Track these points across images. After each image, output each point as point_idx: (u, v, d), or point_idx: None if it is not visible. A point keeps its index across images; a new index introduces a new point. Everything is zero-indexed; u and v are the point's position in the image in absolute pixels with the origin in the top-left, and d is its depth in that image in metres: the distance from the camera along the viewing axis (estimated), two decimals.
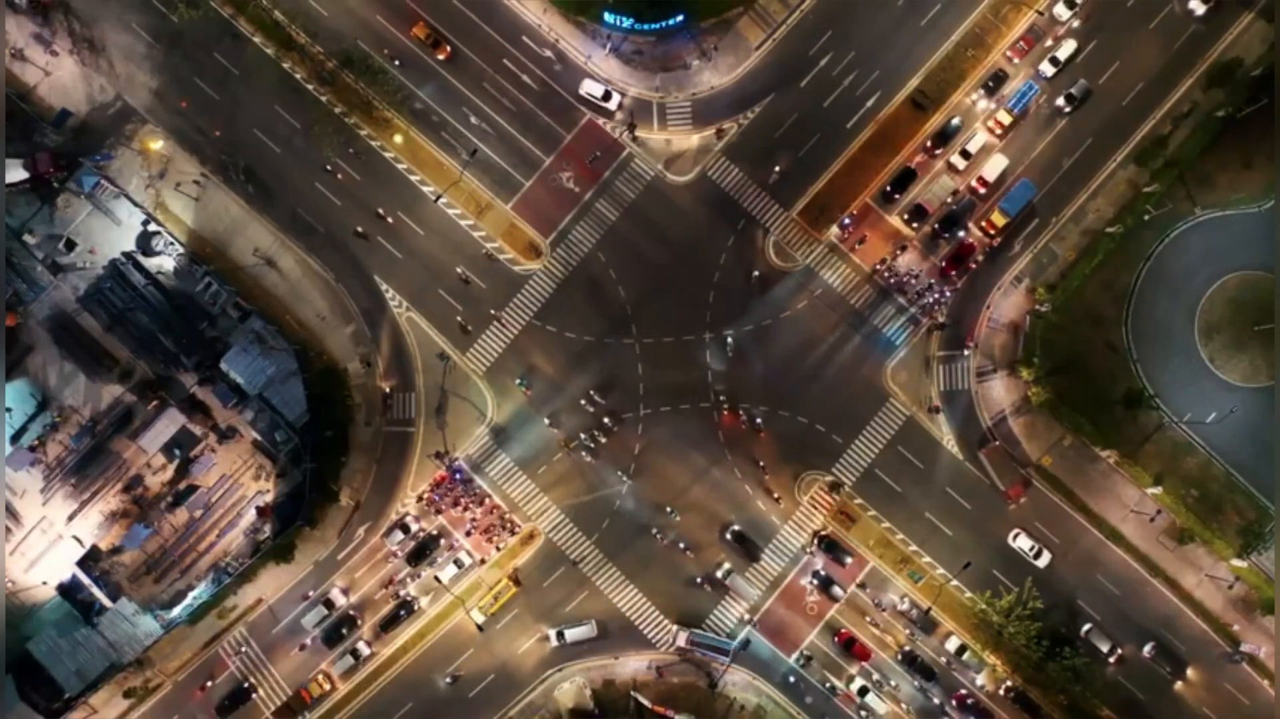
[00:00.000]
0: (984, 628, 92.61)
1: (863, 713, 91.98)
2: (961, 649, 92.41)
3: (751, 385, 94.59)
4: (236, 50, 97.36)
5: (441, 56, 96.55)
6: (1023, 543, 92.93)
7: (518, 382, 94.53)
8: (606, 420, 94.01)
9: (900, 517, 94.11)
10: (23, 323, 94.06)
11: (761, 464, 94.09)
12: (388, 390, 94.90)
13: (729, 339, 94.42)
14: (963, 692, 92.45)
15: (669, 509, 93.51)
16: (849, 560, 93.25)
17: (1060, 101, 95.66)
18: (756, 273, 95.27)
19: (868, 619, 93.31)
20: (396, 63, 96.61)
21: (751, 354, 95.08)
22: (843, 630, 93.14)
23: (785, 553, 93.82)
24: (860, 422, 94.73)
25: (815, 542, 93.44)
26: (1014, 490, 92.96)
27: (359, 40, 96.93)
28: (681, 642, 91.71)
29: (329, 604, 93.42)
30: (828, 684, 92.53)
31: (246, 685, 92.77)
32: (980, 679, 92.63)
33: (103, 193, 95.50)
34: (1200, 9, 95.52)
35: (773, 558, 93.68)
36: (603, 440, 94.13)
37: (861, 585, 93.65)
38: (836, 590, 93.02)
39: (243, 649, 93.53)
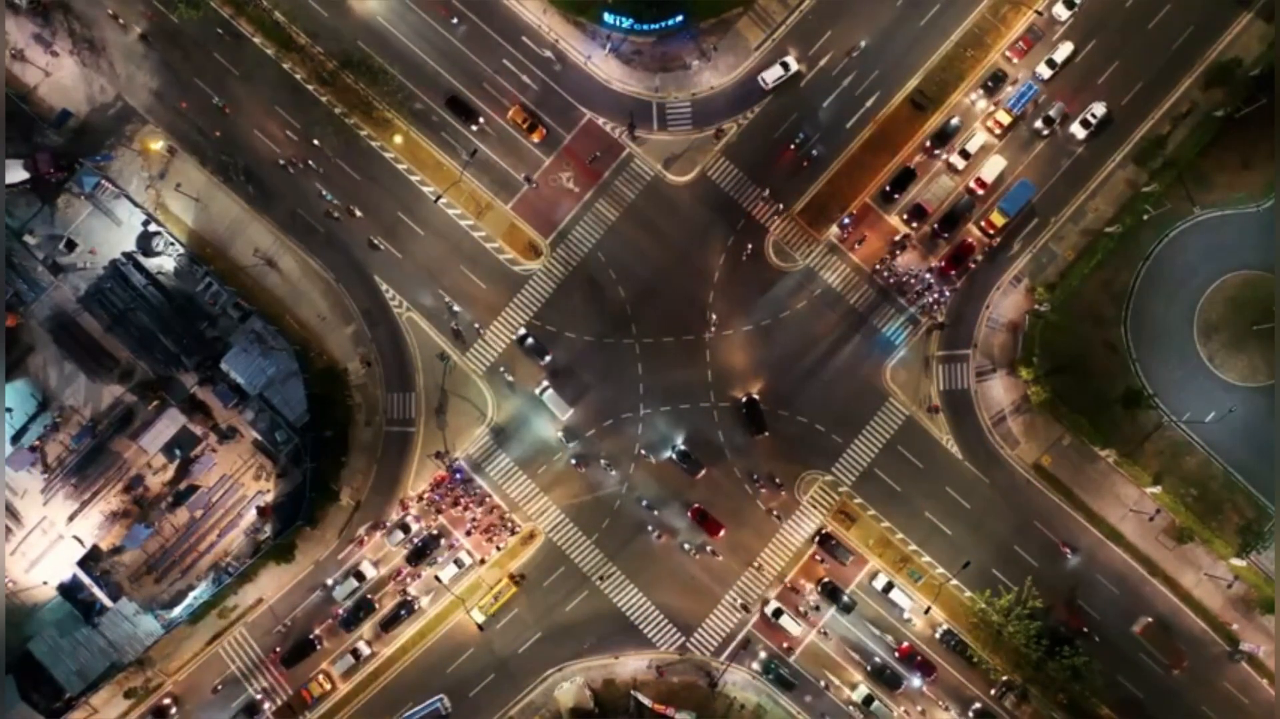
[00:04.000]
0: (983, 627, 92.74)
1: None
2: (889, 587, 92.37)
3: (750, 382, 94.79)
4: (237, 50, 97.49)
5: (537, 139, 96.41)
6: None
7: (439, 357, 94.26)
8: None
9: (900, 516, 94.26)
10: (23, 323, 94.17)
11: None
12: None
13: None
14: (905, 644, 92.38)
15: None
16: (765, 434, 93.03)
17: (1039, 124, 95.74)
18: (746, 254, 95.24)
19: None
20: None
21: (751, 354, 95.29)
22: (695, 505, 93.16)
23: (785, 551, 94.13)
24: (860, 421, 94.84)
25: (744, 400, 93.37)
26: (1176, 662, 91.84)
27: (358, 41, 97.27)
28: None
29: (359, 576, 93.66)
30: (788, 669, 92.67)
31: (311, 638, 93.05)
32: (908, 615, 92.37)
33: (103, 193, 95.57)
34: (1081, 133, 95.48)
35: (771, 554, 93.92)
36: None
37: (758, 478, 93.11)
38: (697, 469, 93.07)
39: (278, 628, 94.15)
